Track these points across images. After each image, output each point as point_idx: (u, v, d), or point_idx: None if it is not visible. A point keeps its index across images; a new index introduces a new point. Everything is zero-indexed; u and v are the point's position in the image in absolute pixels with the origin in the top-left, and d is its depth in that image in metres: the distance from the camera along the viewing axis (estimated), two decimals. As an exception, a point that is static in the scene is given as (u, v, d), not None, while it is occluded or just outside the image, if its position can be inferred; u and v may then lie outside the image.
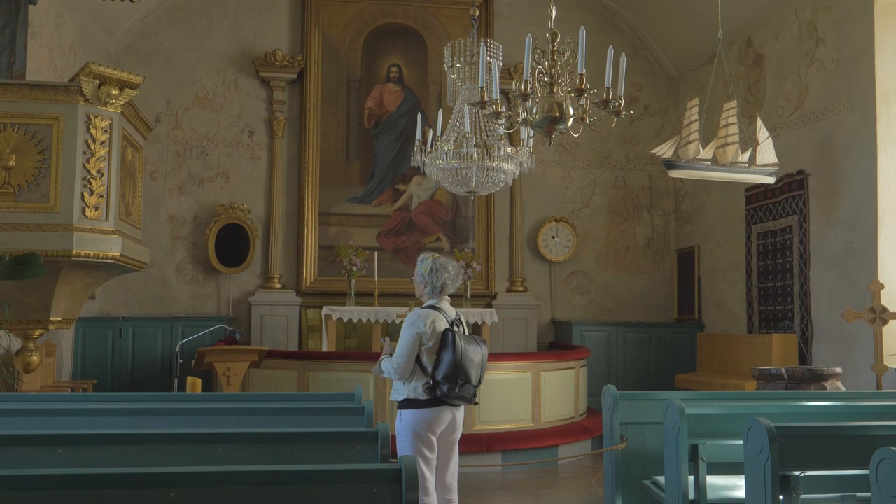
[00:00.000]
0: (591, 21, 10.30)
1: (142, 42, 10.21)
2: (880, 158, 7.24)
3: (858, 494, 3.47)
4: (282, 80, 10.28)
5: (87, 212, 5.20)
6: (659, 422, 4.10)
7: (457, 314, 4.28)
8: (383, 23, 10.67)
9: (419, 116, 7.62)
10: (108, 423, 3.49)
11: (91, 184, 5.22)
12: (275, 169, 10.25)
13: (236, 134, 10.32)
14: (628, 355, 10.39)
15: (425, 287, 4.27)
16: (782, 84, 8.67)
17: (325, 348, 9.08)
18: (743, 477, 3.29)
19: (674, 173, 7.88)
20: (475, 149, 6.89)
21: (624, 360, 10.38)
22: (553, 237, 10.74)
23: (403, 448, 4.07)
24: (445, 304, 4.28)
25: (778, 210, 8.70)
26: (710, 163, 7.67)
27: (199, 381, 5.78)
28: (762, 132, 7.66)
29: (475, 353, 4.11)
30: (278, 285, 10.13)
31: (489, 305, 10.28)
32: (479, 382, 4.16)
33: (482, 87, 4.71)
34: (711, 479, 3.87)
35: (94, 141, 5.25)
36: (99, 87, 5.23)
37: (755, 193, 9.09)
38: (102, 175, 5.28)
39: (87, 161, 5.22)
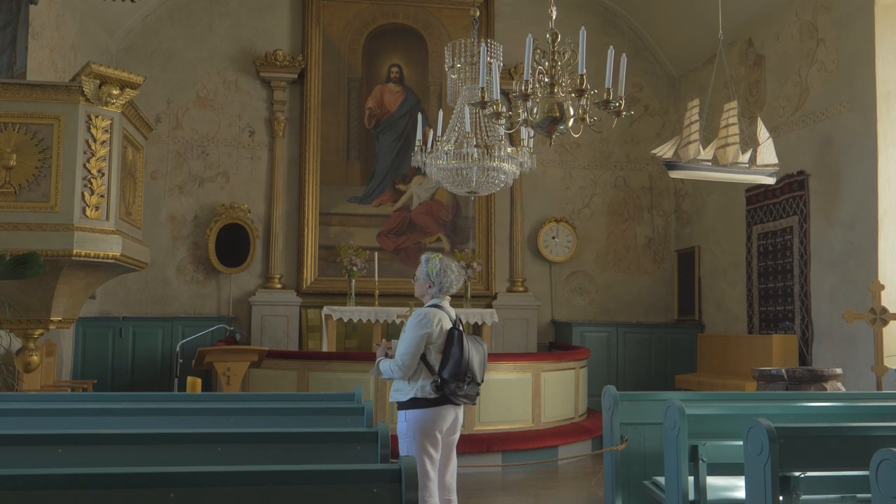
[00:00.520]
0: (592, 21, 10.31)
1: (142, 42, 10.21)
2: (881, 159, 7.24)
3: (858, 495, 3.48)
4: (282, 80, 10.28)
5: (88, 211, 5.21)
6: (659, 422, 4.10)
7: (456, 314, 4.29)
8: (384, 23, 10.68)
9: (419, 116, 7.62)
10: (109, 422, 3.49)
11: (91, 183, 5.23)
12: (275, 169, 10.25)
13: (237, 134, 10.32)
14: (628, 356, 10.39)
15: (430, 287, 4.24)
16: (783, 84, 8.67)
17: (325, 348, 9.08)
18: (743, 478, 3.29)
19: (674, 174, 7.88)
20: (475, 149, 6.88)
21: (624, 360, 10.38)
22: (553, 237, 10.74)
23: (408, 448, 4.05)
24: (447, 303, 4.29)
25: (778, 210, 8.69)
26: (710, 163, 7.67)
27: (199, 380, 5.79)
28: (762, 133, 7.65)
29: (476, 353, 4.14)
30: (278, 285, 10.13)
31: (489, 306, 10.28)
32: (482, 382, 4.19)
33: (482, 88, 4.70)
34: (711, 480, 3.87)
35: (95, 141, 5.26)
36: (99, 86, 5.24)
37: (755, 194, 9.09)
38: (103, 175, 5.29)
39: (88, 161, 5.23)
